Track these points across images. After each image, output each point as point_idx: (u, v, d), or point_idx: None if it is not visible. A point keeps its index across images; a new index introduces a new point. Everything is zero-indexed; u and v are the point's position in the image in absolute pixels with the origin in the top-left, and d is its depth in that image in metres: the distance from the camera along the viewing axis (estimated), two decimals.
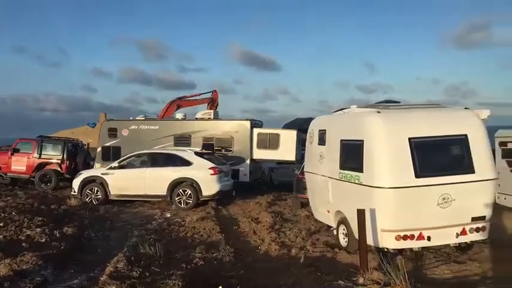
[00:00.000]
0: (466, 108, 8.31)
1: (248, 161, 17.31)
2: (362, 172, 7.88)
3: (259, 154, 17.47)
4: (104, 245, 9.38)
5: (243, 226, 11.48)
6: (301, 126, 20.11)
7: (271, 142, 17.37)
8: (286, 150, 17.36)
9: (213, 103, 21.84)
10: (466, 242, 8.10)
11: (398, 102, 9.22)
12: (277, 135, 17.48)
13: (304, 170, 11.10)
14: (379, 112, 7.98)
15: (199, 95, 22.34)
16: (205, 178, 13.83)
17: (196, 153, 14.61)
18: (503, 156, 15.69)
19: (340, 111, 9.76)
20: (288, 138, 17.52)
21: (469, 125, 7.91)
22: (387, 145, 7.59)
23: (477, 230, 7.81)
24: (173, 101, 21.45)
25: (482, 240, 8.08)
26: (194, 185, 13.90)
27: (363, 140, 7.92)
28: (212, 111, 19.43)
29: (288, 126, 24.23)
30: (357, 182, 8.04)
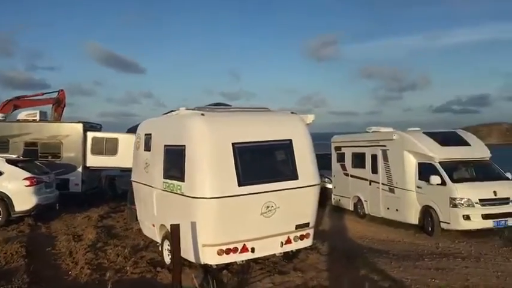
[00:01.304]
0: (292, 112, 8.09)
1: (80, 169, 15.41)
2: (183, 181, 7.07)
3: (94, 161, 15.71)
4: None
5: (59, 246, 9.83)
6: None
7: (109, 147, 15.75)
8: (126, 156, 15.85)
9: (59, 104, 19.25)
10: (292, 251, 7.84)
11: (229, 106, 8.68)
12: (116, 139, 15.93)
13: (131, 179, 9.95)
14: (202, 115, 7.26)
15: (43, 95, 19.53)
16: (19, 190, 11.73)
17: (9, 161, 12.34)
18: (338, 160, 16.60)
19: (169, 114, 8.86)
20: (129, 144, 16.06)
21: (293, 130, 7.67)
22: (209, 151, 6.90)
23: (301, 237, 7.60)
24: (9, 101, 18.38)
25: (308, 247, 7.92)
26: (5, 199, 11.66)
27: (184, 146, 7.12)
28: (38, 112, 16.95)
29: (132, 130, 22.58)
30: (179, 192, 7.20)
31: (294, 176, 7.37)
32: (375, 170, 14.15)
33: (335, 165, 16.58)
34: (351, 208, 15.47)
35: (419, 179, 12.28)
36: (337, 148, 16.65)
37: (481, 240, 10.80)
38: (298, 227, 7.49)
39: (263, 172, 7.22)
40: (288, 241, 7.43)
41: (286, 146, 7.47)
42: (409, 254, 9.74)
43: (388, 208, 13.48)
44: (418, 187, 12.32)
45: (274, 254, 7.68)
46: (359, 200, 15.05)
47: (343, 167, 16.05)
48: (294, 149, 7.47)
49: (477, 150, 12.41)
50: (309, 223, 7.62)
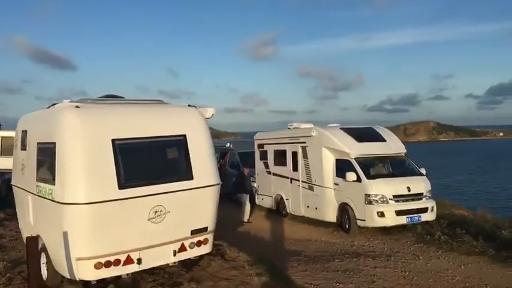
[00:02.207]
0: (189, 105, 7.30)
1: None
2: (54, 185, 6.06)
3: None
4: None
5: None
6: None
7: (5, 147, 14.11)
8: None
9: None
10: (190, 259, 7.07)
11: (122, 97, 7.71)
12: (13, 138, 14.25)
13: (11, 182, 8.69)
14: (77, 107, 6.26)
15: None
16: None
17: None
18: (260, 158, 16.07)
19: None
20: None
21: (188, 124, 6.89)
22: (82, 148, 5.94)
23: (198, 244, 6.85)
24: None
25: (207, 253, 7.18)
26: None
27: (54, 143, 6.11)
28: None
29: None
30: (50, 197, 6.17)
31: (188, 175, 6.60)
32: (295, 167, 13.77)
33: (258, 164, 16.06)
34: (274, 207, 15.01)
35: (336, 175, 12.01)
36: (260, 146, 16.13)
37: (395, 237, 10.68)
38: (195, 232, 6.74)
39: (150, 172, 6.36)
40: (183, 249, 6.65)
41: (180, 143, 6.68)
42: (321, 254, 9.35)
43: (308, 206, 13.14)
44: (335, 184, 12.05)
45: (167, 264, 6.85)
46: (281, 198, 14.61)
47: (266, 165, 15.56)
48: (189, 146, 6.70)
49: (392, 146, 12.34)
50: (207, 227, 6.88)
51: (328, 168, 12.27)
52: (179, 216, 6.48)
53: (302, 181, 13.35)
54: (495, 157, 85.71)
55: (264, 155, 15.76)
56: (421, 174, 11.85)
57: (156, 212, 6.24)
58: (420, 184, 11.45)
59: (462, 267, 8.12)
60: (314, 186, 12.78)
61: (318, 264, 8.25)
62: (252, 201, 14.84)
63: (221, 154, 19.75)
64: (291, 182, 13.94)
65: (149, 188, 6.17)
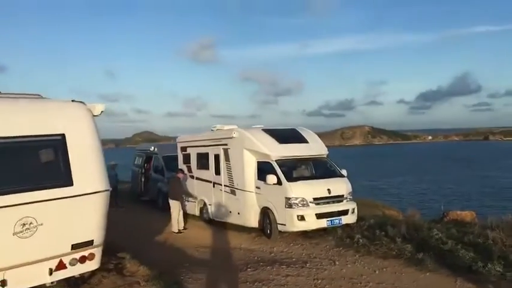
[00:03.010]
0: (73, 100, 6.40)
1: None
2: None
3: None
4: None
5: None
6: None
7: None
8: None
9: None
10: (74, 276, 6.16)
11: None
12: None
13: None
14: None
15: None
16: None
17: None
18: (184, 162, 15.24)
19: None
20: None
21: (69, 122, 5.99)
22: None
23: (82, 260, 5.98)
24: None
25: (102, 268, 6.31)
26: None
27: None
28: None
29: None
30: None
31: (66, 181, 5.71)
32: (218, 171, 13.10)
33: (183, 167, 15.18)
34: (197, 213, 14.24)
35: (258, 179, 11.48)
36: (183, 149, 15.32)
37: (315, 242, 10.30)
38: (77, 246, 5.86)
39: (15, 179, 5.39)
40: (61, 266, 5.75)
41: (56, 143, 5.78)
42: (236, 263, 8.74)
43: (230, 212, 12.50)
44: (257, 188, 11.52)
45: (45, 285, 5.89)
46: (204, 204, 13.89)
47: (189, 169, 14.76)
48: (69, 147, 5.82)
49: (314, 147, 12.01)
50: (92, 241, 6.02)
51: (249, 171, 11.73)
52: (55, 229, 5.58)
53: (224, 185, 12.71)
54: (425, 159, 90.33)
55: (187, 159, 14.97)
56: (342, 176, 11.61)
57: (24, 224, 5.31)
58: (341, 186, 11.19)
59: (377, 271, 7.82)
60: (236, 190, 12.18)
61: (227, 276, 7.62)
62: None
63: (146, 158, 18.72)
64: (214, 187, 13.27)
65: (14, 196, 5.22)
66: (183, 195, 13.31)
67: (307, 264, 8.37)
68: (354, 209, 11.09)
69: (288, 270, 7.97)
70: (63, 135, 5.81)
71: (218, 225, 12.72)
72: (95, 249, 6.08)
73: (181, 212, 12.86)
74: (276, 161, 11.09)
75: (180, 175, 13.37)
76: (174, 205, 12.68)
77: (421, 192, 42.83)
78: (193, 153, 14.63)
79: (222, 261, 9.01)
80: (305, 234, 10.83)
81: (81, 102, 6.36)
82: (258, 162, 11.62)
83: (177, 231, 12.48)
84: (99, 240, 6.13)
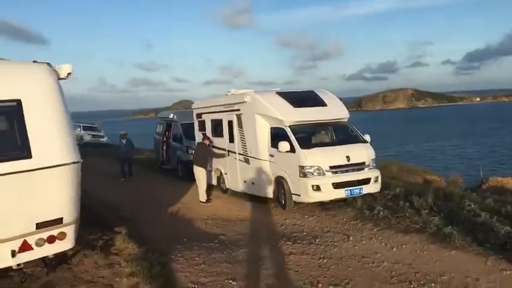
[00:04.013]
0: (35, 61, 5.67)
1: None
2: None
3: None
4: None
5: None
6: None
7: None
8: None
9: None
10: (48, 257, 5.63)
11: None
12: None
13: None
14: None
15: None
16: None
17: None
18: (199, 129, 14.56)
19: None
20: None
21: (27, 86, 5.27)
22: None
23: (51, 239, 5.37)
24: None
25: (68, 250, 5.74)
26: None
27: None
28: None
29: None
30: None
31: (23, 153, 5.05)
32: (231, 138, 12.32)
33: (197, 135, 14.55)
34: (215, 182, 13.62)
35: (271, 146, 10.60)
36: (198, 115, 14.59)
37: (332, 214, 9.43)
38: (43, 225, 5.26)
39: None
40: (26, 247, 5.18)
41: (10, 110, 5.09)
42: (240, 238, 8.06)
43: (245, 181, 11.77)
44: (270, 155, 10.66)
45: (9, 268, 5.37)
46: (221, 173, 13.23)
47: (205, 136, 14.03)
48: (26, 115, 5.13)
49: (333, 110, 10.91)
50: (61, 218, 5.40)
51: (262, 138, 10.85)
52: (14, 207, 4.98)
53: (238, 153, 11.94)
54: (473, 122, 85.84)
55: (202, 126, 14.26)
56: (365, 142, 10.53)
57: None
58: (361, 152, 10.13)
59: (394, 249, 6.88)
60: (250, 158, 11.38)
61: (224, 253, 6.90)
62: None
63: (166, 126, 18.19)
64: (228, 155, 12.52)
65: None
66: (208, 163, 12.67)
67: (317, 240, 7.54)
68: (377, 178, 10.06)
69: (293, 246, 7.18)
70: (18, 101, 5.12)
71: (240, 195, 11.96)
72: (66, 227, 5.46)
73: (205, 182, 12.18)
74: (289, 126, 10.15)
75: (206, 141, 12.73)
76: (200, 172, 12.07)
77: (467, 157, 40.42)
78: (207, 120, 13.88)
79: (225, 235, 8.32)
80: (323, 205, 9.97)
81: (45, 63, 5.64)
82: (271, 128, 10.72)
83: (205, 200, 11.88)
84: (71, 218, 5.51)
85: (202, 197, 12.03)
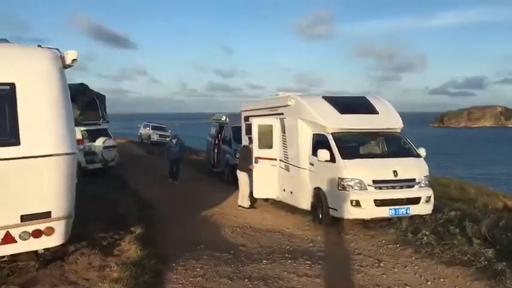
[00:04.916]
0: (40, 46, 5.45)
1: None
2: None
3: None
4: None
5: None
6: None
7: None
8: None
9: None
10: (39, 251, 5.36)
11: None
12: None
13: None
14: None
15: None
16: None
17: None
18: (246, 133, 14.00)
19: None
20: None
21: (25, 70, 5.06)
22: None
23: (36, 234, 5.10)
24: None
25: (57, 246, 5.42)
26: None
27: None
28: None
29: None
30: None
31: (10, 139, 4.82)
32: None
33: (244, 139, 14.02)
34: None
35: (312, 154, 9.76)
36: (246, 118, 14.05)
37: (371, 234, 8.42)
38: (28, 218, 4.98)
39: None
40: (8, 240, 4.93)
41: (3, 94, 4.88)
42: (260, 251, 7.35)
43: (284, 190, 11.02)
44: (311, 164, 9.83)
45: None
46: None
47: (251, 140, 13.49)
48: (18, 100, 4.90)
49: (385, 119, 9.83)
50: (49, 212, 5.09)
51: (304, 144, 10.04)
52: None
53: (279, 160, 11.22)
54: None
55: (249, 129, 13.67)
56: (418, 156, 9.34)
57: None
58: (412, 167, 8.99)
59: (429, 282, 5.81)
60: (290, 166, 10.64)
61: (232, 267, 6.24)
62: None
63: (219, 128, 17.92)
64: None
65: None
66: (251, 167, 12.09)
67: (341, 263, 6.64)
68: (429, 198, 8.86)
69: (311, 267, 6.33)
70: (12, 85, 4.90)
71: (283, 205, 11.19)
72: (55, 222, 5.15)
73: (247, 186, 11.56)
74: (332, 133, 9.27)
75: (251, 145, 12.17)
76: (242, 177, 11.55)
77: None
78: (254, 123, 13.28)
79: (245, 246, 7.66)
80: (365, 223, 8.97)
81: (49, 48, 5.40)
82: (313, 134, 9.89)
83: (247, 206, 11.32)
84: (61, 213, 5.19)
85: (243, 202, 11.45)
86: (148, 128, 36.57)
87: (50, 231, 5.13)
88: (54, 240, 5.22)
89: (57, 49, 5.48)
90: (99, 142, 15.58)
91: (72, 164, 5.25)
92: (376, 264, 6.55)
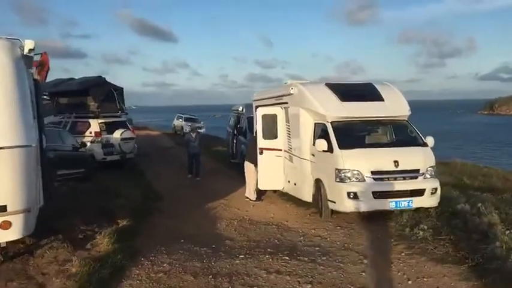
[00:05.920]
0: None
1: None
2: None
3: None
4: None
5: None
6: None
7: None
8: None
9: (42, 67, 17.05)
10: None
11: None
12: None
13: None
14: None
15: None
16: None
17: None
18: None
19: None
20: None
21: None
22: None
23: (4, 226, 5.09)
24: None
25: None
26: None
27: None
28: None
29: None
30: None
31: None
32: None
33: (255, 129, 13.68)
34: None
35: (313, 144, 9.33)
36: (257, 108, 13.70)
37: (370, 228, 7.94)
38: None
39: None
40: None
41: None
42: (251, 245, 7.08)
43: (288, 181, 10.65)
44: (312, 155, 9.42)
45: None
46: None
47: None
48: None
49: (391, 107, 9.21)
50: (5, 206, 5.04)
51: (306, 134, 9.63)
52: None
53: (284, 150, 10.85)
54: None
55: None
56: (424, 145, 8.71)
57: None
58: (416, 157, 8.41)
59: (410, 281, 5.34)
60: (293, 156, 10.25)
61: (203, 262, 6.01)
62: None
63: (237, 118, 17.65)
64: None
65: None
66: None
67: (323, 258, 6.27)
68: (435, 189, 8.27)
69: (288, 263, 6.01)
70: None
71: (290, 197, 10.80)
72: (11, 216, 5.10)
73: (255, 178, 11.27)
74: (332, 122, 8.82)
75: None
76: (249, 168, 11.31)
77: None
78: None
79: (233, 240, 7.40)
80: (367, 217, 8.47)
81: (9, 38, 5.33)
82: (315, 124, 9.46)
83: (254, 198, 11.08)
84: (19, 206, 5.13)
85: (250, 194, 11.19)
86: (181, 120, 37.05)
87: (6, 225, 5.09)
88: (11, 234, 5.18)
89: (17, 39, 5.41)
90: (117, 134, 15.71)
91: (29, 157, 5.17)
92: (360, 261, 6.14)
